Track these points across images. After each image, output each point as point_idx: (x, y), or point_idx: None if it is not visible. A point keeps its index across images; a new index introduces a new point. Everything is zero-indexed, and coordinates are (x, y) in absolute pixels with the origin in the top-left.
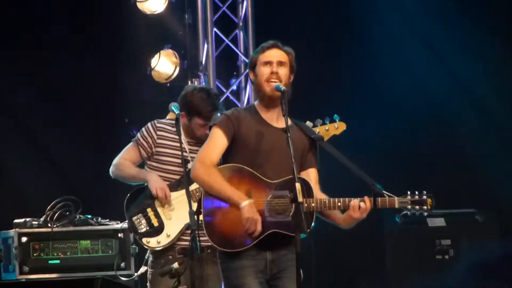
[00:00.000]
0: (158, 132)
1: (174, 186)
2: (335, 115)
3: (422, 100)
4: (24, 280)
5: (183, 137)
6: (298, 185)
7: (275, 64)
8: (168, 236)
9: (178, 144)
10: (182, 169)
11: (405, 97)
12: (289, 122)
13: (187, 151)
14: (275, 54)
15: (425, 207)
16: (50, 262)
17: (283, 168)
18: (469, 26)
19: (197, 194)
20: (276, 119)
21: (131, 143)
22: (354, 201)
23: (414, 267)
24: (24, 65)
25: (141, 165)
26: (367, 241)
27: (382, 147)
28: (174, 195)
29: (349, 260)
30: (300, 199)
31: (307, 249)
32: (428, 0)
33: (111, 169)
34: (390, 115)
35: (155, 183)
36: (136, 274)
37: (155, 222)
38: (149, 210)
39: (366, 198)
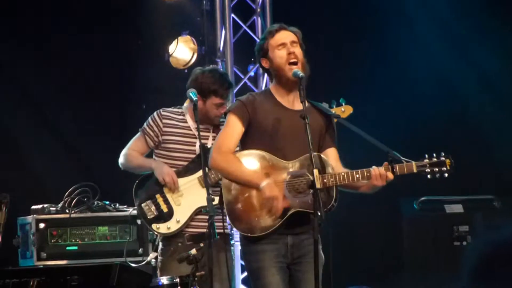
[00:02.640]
0: (164, 121)
1: (182, 172)
2: (342, 98)
3: (440, 87)
4: (41, 266)
5: (192, 123)
6: (316, 171)
7: (289, 44)
8: (178, 221)
9: (184, 131)
10: (190, 156)
11: (423, 83)
12: (306, 103)
13: (196, 136)
14: (286, 36)
15: (444, 168)
16: (67, 248)
17: (301, 150)
18: (487, 12)
19: (210, 178)
20: (293, 102)
21: (138, 133)
22: (374, 170)
23: (431, 254)
24: (42, 52)
25: (150, 155)
26: (384, 227)
27: (398, 134)
28: (183, 181)
29: (366, 246)
30: (318, 185)
31: (325, 235)
32: None
33: (119, 160)
34: (407, 101)
35: (162, 170)
36: (145, 260)
37: (164, 208)
38: (158, 196)
39: (384, 165)
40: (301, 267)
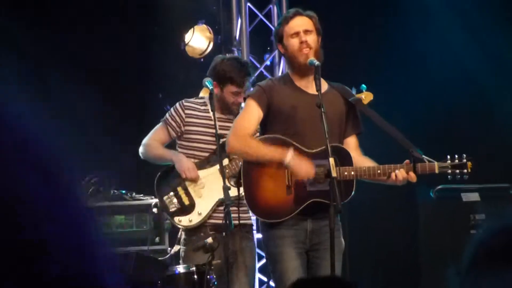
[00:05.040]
0: (186, 111)
1: (203, 163)
2: (362, 84)
3: (457, 73)
4: None
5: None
6: (331, 160)
7: (302, 33)
8: (199, 214)
9: (207, 122)
10: (212, 147)
11: (440, 70)
12: (326, 86)
13: (217, 127)
14: (300, 23)
15: (465, 171)
16: None
17: (322, 136)
18: (507, 1)
19: (227, 171)
20: (311, 86)
21: (160, 123)
22: (395, 172)
23: (447, 242)
24: (57, 41)
25: (172, 145)
26: (400, 216)
27: (416, 121)
28: (204, 173)
29: (382, 234)
30: (334, 174)
31: (342, 222)
32: None
33: (140, 149)
34: (424, 88)
35: (182, 164)
36: (170, 253)
37: (186, 201)
38: (179, 189)
39: (406, 163)
40: (319, 254)
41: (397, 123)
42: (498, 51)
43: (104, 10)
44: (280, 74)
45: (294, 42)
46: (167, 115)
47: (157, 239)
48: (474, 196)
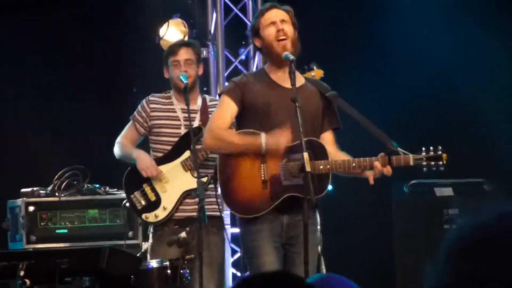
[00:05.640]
0: (151, 105)
1: (165, 158)
2: (313, 62)
3: (432, 69)
4: (31, 249)
5: (177, 103)
6: (306, 155)
7: (278, 22)
8: (165, 209)
9: (170, 114)
10: (176, 139)
11: (414, 64)
12: (302, 81)
13: (181, 119)
14: (276, 14)
15: (441, 162)
16: (57, 231)
17: (297, 129)
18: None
19: (189, 163)
20: (287, 80)
21: (130, 121)
22: (371, 165)
23: (421, 237)
24: (34, 35)
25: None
26: (374, 210)
27: (389, 116)
28: (167, 167)
29: (356, 229)
30: (308, 168)
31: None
32: None
33: (114, 149)
34: (398, 83)
35: (141, 162)
36: (143, 248)
37: (152, 197)
38: (145, 185)
39: (381, 156)
40: (295, 248)
41: (372, 119)
42: (473, 46)
43: (79, 5)
44: (254, 68)
45: (270, 31)
46: (135, 112)
47: (130, 233)
48: (448, 191)
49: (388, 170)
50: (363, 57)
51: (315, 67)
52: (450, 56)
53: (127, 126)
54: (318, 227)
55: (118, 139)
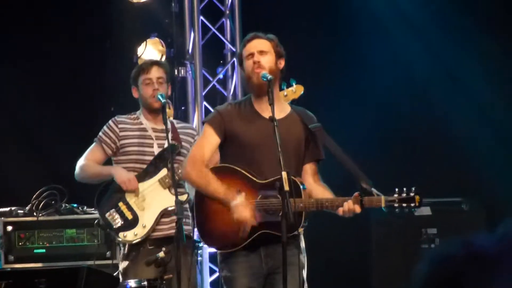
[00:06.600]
0: (120, 125)
1: (142, 176)
2: (292, 79)
3: (407, 89)
4: (9, 269)
5: (146, 122)
6: (284, 174)
7: (256, 54)
8: (144, 227)
9: (141, 133)
10: (149, 158)
11: (391, 86)
12: (288, 110)
13: (154, 137)
14: (255, 45)
15: (413, 204)
16: (35, 251)
17: (276, 162)
18: (458, 16)
19: (167, 180)
20: (269, 108)
21: (93, 143)
22: (341, 208)
23: (399, 256)
24: (9, 53)
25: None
26: (353, 230)
27: (367, 136)
28: (144, 186)
29: (334, 249)
30: (286, 187)
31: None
32: None
33: (75, 171)
34: (375, 104)
35: (122, 176)
36: (120, 268)
37: (129, 215)
38: (120, 204)
39: (355, 196)
40: (279, 276)
41: (347, 142)
42: (451, 64)
43: (57, 24)
44: (232, 87)
45: (249, 63)
46: (100, 133)
47: (108, 253)
48: (426, 210)
49: (357, 208)
50: (343, 74)
51: (294, 84)
52: (428, 75)
53: (90, 148)
54: (302, 247)
55: (82, 161)
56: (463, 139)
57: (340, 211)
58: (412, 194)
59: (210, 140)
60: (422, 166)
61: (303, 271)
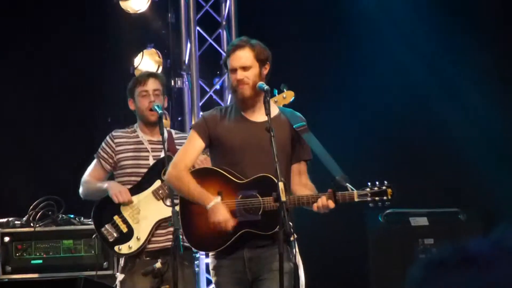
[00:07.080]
0: (116, 140)
1: (136, 189)
2: (282, 84)
3: (404, 98)
4: (6, 280)
5: (142, 135)
6: (281, 184)
7: (238, 71)
8: (138, 239)
9: (137, 146)
10: (144, 170)
11: (387, 94)
12: (276, 112)
13: (150, 150)
14: (237, 59)
15: (385, 198)
16: (32, 262)
17: (263, 164)
18: (452, 25)
19: (160, 192)
20: (257, 113)
21: (94, 160)
22: (316, 204)
23: (396, 266)
24: (7, 63)
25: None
26: (349, 240)
27: (363, 145)
28: (138, 198)
29: (331, 258)
30: (283, 198)
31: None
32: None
33: (79, 190)
34: (372, 112)
35: (113, 189)
36: (118, 279)
37: (124, 228)
38: (116, 217)
39: (329, 192)
40: (263, 283)
41: (342, 150)
42: (447, 74)
43: (53, 34)
44: (229, 98)
45: (233, 78)
46: (99, 149)
47: (105, 264)
48: (423, 221)
49: (330, 203)
50: (334, 78)
51: (285, 89)
52: (425, 83)
53: (92, 165)
54: (296, 255)
55: (84, 178)
56: (460, 150)
57: (315, 207)
58: (384, 188)
59: (194, 145)
60: (419, 176)
61: (300, 279)
